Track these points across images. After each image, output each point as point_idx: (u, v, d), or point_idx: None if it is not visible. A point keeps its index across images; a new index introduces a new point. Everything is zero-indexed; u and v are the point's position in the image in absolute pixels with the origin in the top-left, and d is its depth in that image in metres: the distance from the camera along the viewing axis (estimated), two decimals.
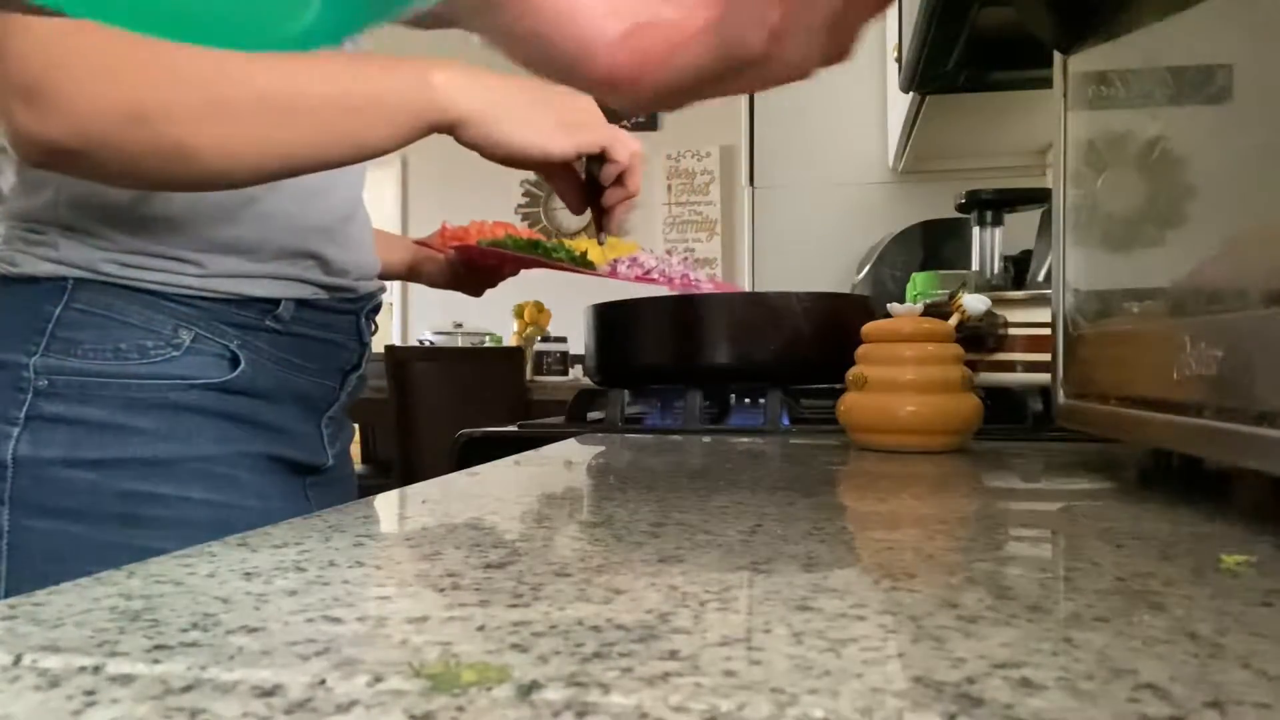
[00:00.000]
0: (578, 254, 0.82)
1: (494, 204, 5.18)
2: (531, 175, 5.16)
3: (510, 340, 4.30)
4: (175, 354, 0.64)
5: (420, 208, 4.89)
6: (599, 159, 0.70)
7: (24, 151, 0.55)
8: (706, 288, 0.90)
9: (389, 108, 0.60)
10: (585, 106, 0.68)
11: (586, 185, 0.73)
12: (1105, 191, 0.54)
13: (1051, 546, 0.35)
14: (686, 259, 0.94)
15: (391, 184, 4.93)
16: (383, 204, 4.95)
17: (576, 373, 3.62)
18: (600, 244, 0.80)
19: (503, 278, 0.98)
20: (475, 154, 0.65)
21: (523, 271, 0.91)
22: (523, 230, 0.89)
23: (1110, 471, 0.55)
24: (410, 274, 0.99)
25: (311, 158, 0.59)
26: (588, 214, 0.75)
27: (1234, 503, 0.44)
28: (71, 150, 0.53)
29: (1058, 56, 0.60)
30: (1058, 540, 0.36)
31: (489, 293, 1.02)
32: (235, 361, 0.66)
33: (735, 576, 0.27)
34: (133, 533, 0.61)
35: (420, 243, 0.96)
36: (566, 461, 0.62)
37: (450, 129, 0.62)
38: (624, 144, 0.69)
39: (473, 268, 0.97)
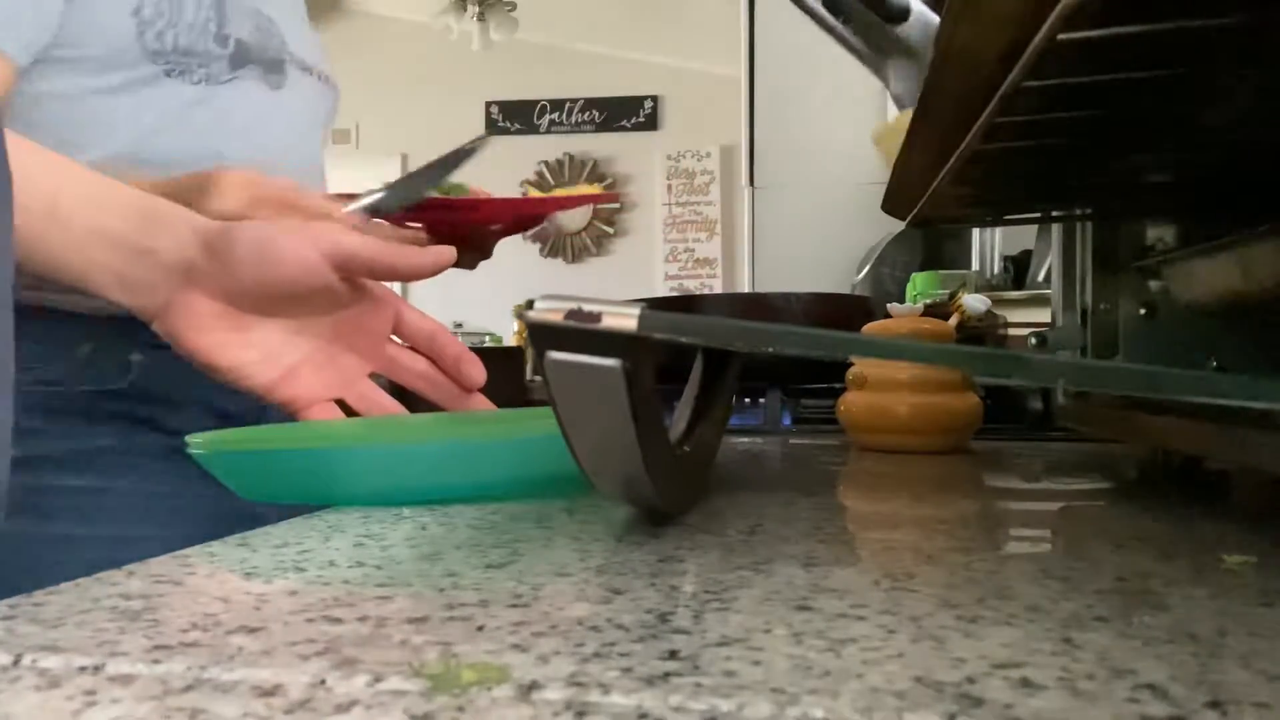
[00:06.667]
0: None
1: None
2: (531, 174, 5.16)
3: (510, 340, 4.30)
4: (75, 364, 0.65)
5: None
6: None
7: None
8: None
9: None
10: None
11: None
12: None
13: (1051, 546, 0.35)
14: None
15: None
16: None
17: None
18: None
19: (482, 241, 0.92)
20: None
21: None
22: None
23: (1110, 471, 0.55)
24: None
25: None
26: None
27: (1234, 503, 0.44)
28: None
29: None
30: (1058, 540, 0.36)
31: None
32: (131, 369, 0.67)
33: (735, 576, 0.27)
34: (46, 523, 0.63)
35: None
36: None
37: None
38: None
39: (438, 234, 0.92)
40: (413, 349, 0.55)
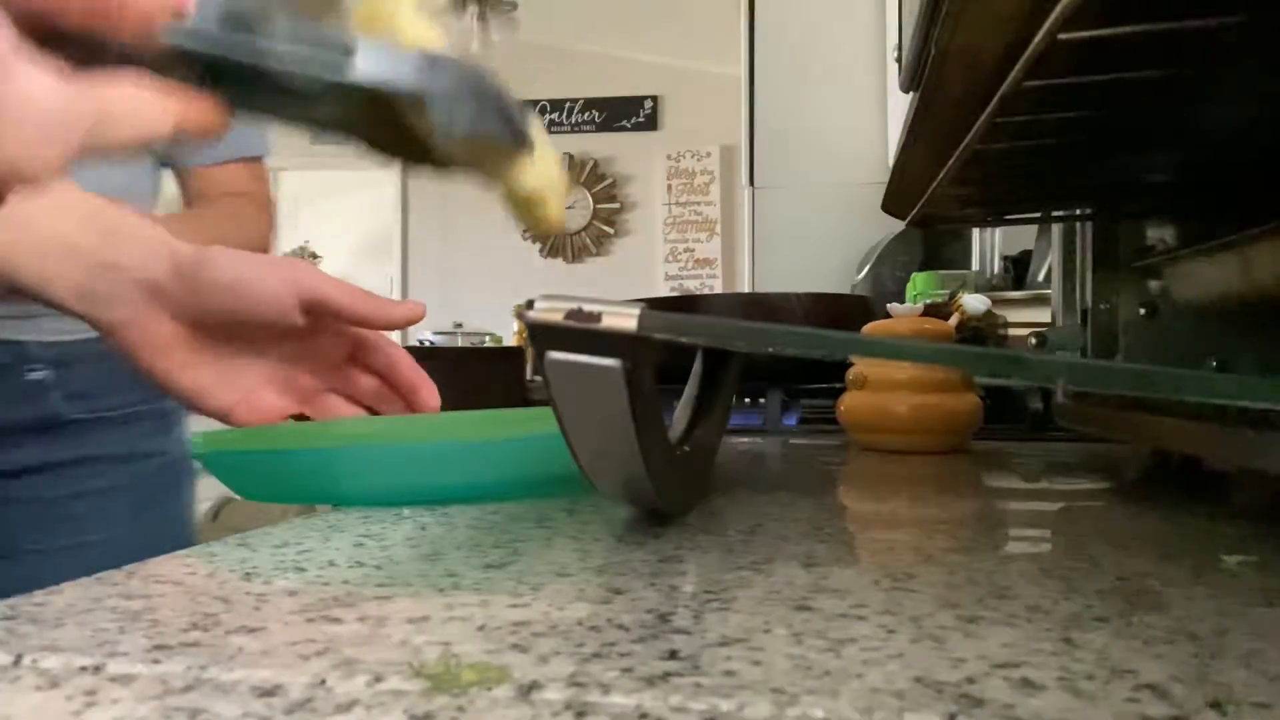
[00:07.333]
0: None
1: (495, 200, 5.17)
2: None
3: (510, 340, 4.30)
4: None
5: (421, 204, 4.89)
6: None
7: None
8: None
9: None
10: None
11: None
12: None
13: (1051, 546, 0.35)
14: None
15: (392, 184, 4.93)
16: (383, 202, 4.94)
17: None
18: None
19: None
20: None
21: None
22: None
23: (1110, 471, 0.55)
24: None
25: None
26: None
27: (1234, 503, 0.44)
28: None
29: None
30: (1058, 540, 0.36)
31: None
32: None
33: (735, 576, 0.27)
34: None
35: None
36: None
37: None
38: None
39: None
40: (372, 371, 0.55)
